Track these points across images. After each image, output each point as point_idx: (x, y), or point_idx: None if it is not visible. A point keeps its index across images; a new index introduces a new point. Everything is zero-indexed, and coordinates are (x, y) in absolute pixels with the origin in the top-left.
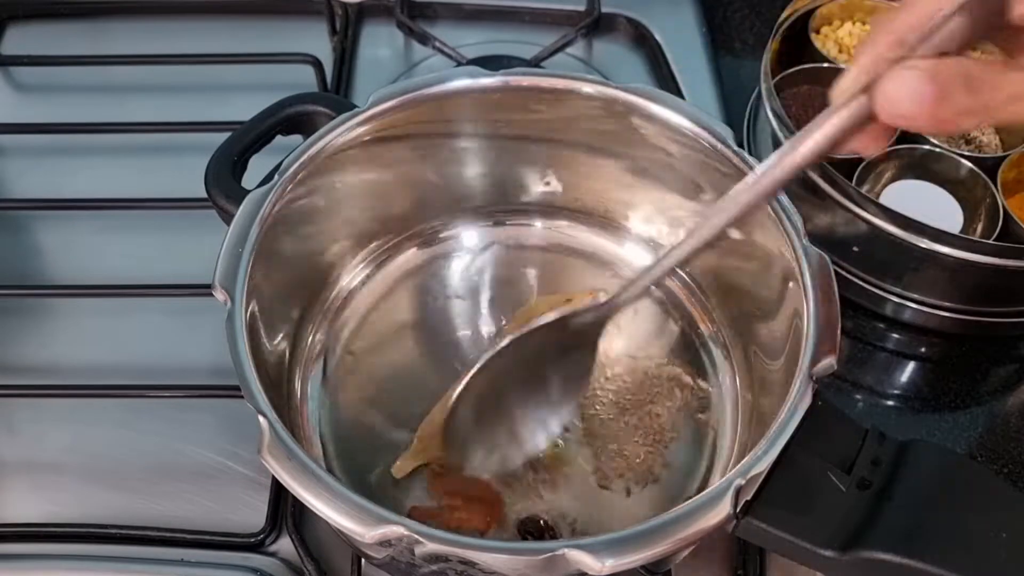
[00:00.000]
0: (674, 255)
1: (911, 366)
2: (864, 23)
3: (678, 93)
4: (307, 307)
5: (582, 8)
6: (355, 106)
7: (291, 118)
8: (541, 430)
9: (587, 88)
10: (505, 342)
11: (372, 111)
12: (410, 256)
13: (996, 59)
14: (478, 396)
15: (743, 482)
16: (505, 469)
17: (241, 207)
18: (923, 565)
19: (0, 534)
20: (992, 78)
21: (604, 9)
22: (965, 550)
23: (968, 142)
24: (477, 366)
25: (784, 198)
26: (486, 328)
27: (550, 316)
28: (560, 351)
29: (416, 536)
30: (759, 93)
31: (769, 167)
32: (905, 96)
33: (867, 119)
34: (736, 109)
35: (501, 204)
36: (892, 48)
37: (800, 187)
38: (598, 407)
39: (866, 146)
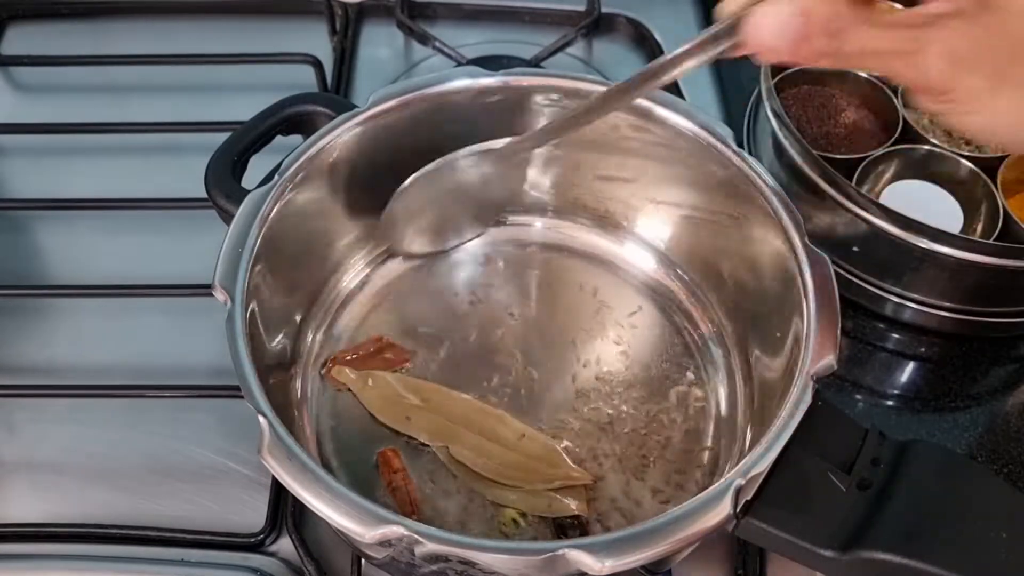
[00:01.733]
0: (559, 123)
1: (911, 366)
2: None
3: (678, 93)
4: (307, 307)
5: (582, 8)
6: (355, 106)
7: (291, 118)
8: (466, 228)
9: (587, 88)
10: (435, 165)
11: (372, 111)
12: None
13: (868, 9)
14: (415, 195)
15: (743, 482)
16: (429, 248)
17: (241, 207)
18: (923, 565)
19: (0, 534)
20: (854, 30)
21: (604, 9)
22: (965, 550)
23: (968, 142)
24: (415, 176)
25: (784, 198)
26: (486, 327)
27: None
28: (479, 181)
29: (416, 536)
30: (759, 93)
31: (644, 69)
32: (770, 28)
33: (738, 42)
34: (736, 109)
35: (501, 204)
36: None
37: (800, 187)
38: (598, 405)
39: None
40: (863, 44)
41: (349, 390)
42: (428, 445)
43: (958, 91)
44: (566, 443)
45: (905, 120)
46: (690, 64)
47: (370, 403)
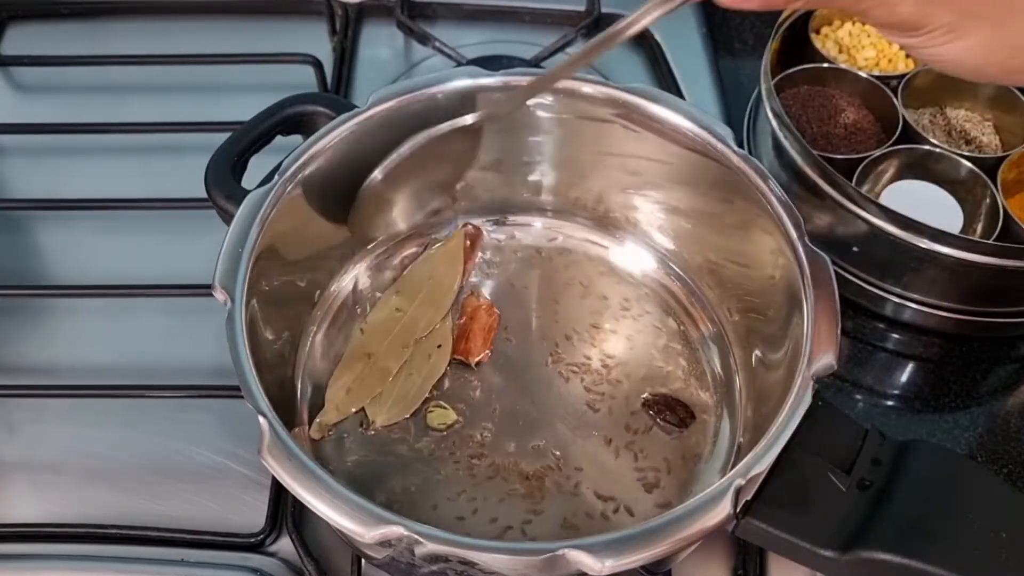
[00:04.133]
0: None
1: (911, 366)
2: (864, 23)
3: (678, 93)
4: (307, 307)
5: (582, 8)
6: (355, 106)
7: (291, 118)
8: (439, 198)
9: (587, 88)
10: (411, 143)
11: (372, 111)
12: (409, 256)
13: None
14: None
15: (743, 482)
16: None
17: (241, 207)
18: (923, 565)
19: (0, 534)
20: None
21: (604, 9)
22: (965, 550)
23: (968, 142)
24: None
25: (784, 198)
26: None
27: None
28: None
29: (416, 536)
30: (759, 93)
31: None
32: None
33: None
34: (736, 109)
35: (501, 203)
36: None
37: (800, 187)
38: (597, 404)
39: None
40: None
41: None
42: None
43: (929, 26)
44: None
45: (905, 120)
46: (656, 14)
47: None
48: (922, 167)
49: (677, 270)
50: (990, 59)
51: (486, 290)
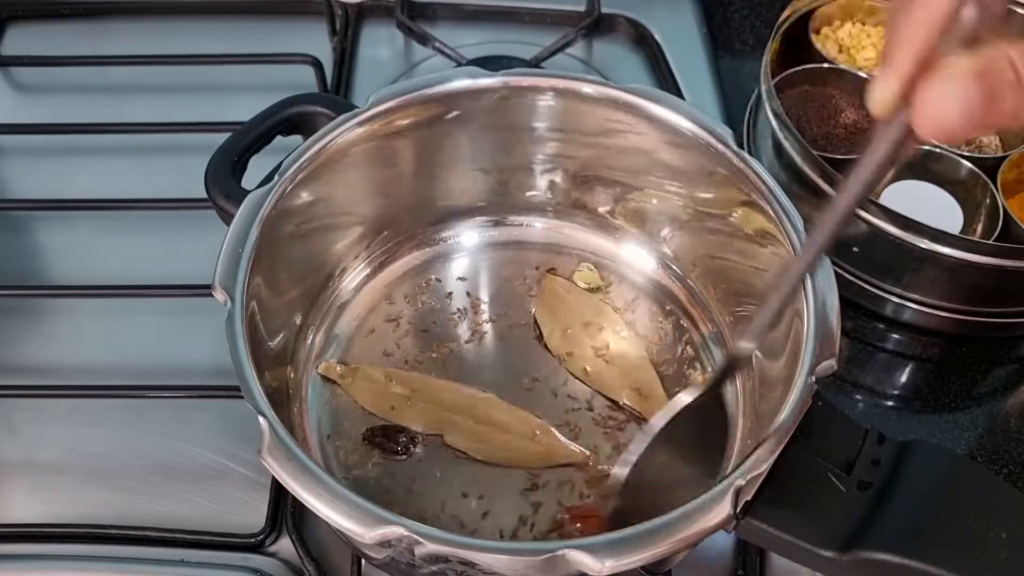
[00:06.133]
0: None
1: (911, 366)
2: (864, 23)
3: (678, 93)
4: (307, 307)
5: (582, 8)
6: (355, 106)
7: (291, 118)
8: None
9: (587, 88)
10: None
11: (372, 111)
12: (410, 256)
13: None
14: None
15: (743, 482)
16: None
17: (241, 207)
18: (923, 565)
19: (0, 534)
20: None
21: (604, 9)
22: (965, 550)
23: (968, 142)
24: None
25: (784, 198)
26: (485, 328)
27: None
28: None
29: (416, 536)
30: (759, 93)
31: (833, 206)
32: (953, 107)
33: (908, 136)
34: (736, 109)
35: (501, 204)
36: (920, 49)
37: (800, 187)
38: (598, 404)
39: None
40: None
41: (337, 383)
42: (419, 434)
43: None
44: (565, 441)
45: None
46: (866, 189)
47: (361, 396)
48: (922, 167)
49: (677, 270)
50: None
51: (485, 291)
